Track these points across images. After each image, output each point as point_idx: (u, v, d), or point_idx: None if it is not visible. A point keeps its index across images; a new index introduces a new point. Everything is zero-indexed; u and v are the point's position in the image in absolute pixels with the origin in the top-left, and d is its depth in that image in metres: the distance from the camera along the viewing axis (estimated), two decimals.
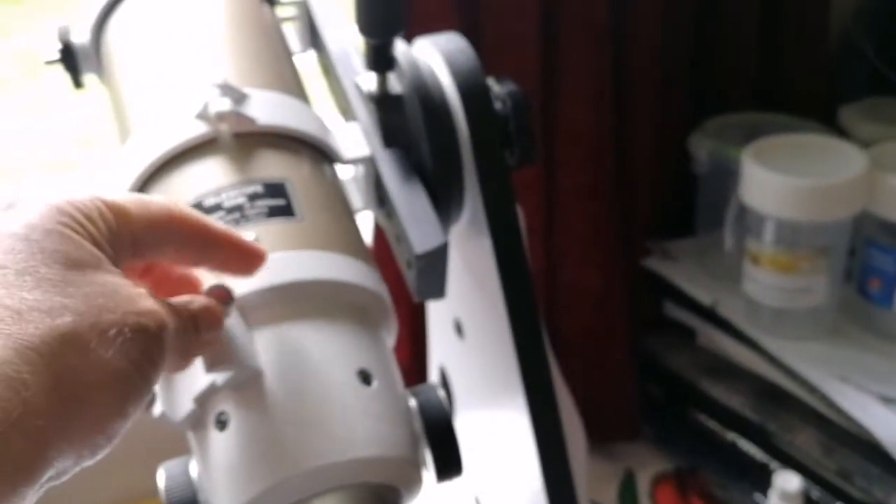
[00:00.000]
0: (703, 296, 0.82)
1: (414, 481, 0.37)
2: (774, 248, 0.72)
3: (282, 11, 0.54)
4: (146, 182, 0.43)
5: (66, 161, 1.46)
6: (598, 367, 0.87)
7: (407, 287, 0.48)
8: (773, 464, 0.77)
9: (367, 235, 0.77)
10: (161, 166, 0.42)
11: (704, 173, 0.84)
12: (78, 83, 0.53)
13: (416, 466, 0.37)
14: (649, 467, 0.88)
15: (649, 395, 0.90)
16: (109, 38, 0.50)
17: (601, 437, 0.87)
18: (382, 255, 0.71)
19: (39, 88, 1.21)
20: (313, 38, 0.55)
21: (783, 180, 0.70)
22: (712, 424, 0.84)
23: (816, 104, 0.89)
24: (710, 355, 0.86)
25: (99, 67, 0.51)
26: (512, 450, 0.57)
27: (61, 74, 0.53)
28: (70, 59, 0.52)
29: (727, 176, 0.78)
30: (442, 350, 0.65)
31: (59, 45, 0.52)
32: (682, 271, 0.85)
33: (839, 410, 0.71)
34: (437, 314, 0.63)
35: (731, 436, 0.81)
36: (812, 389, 0.74)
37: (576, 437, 0.66)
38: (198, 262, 0.33)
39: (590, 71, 0.76)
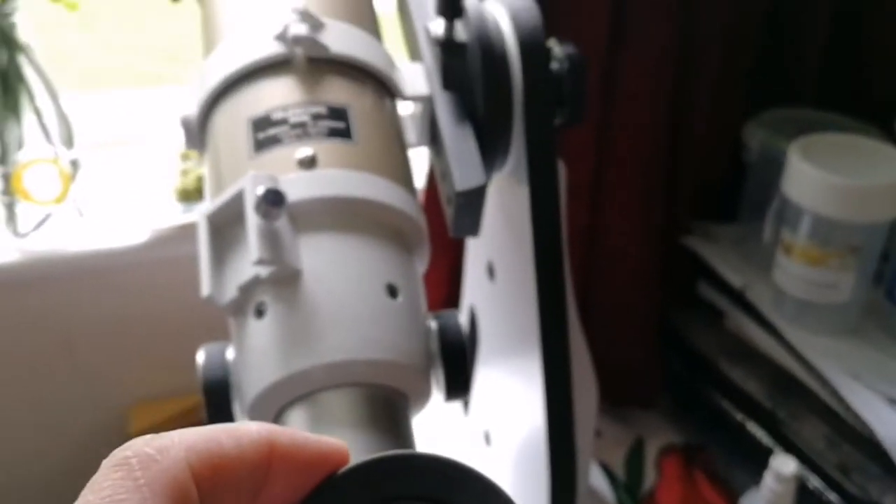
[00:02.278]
0: (735, 279, 0.85)
1: (422, 391, 0.41)
2: (807, 241, 0.74)
3: None
4: (221, 93, 0.47)
5: (155, 73, 1.52)
6: (625, 334, 0.90)
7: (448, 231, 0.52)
8: (778, 449, 0.80)
9: (421, 178, 0.81)
10: (238, 79, 0.46)
11: (754, 162, 0.86)
12: None
13: (425, 377, 0.41)
14: (660, 438, 0.91)
15: (671, 368, 0.93)
16: None
17: (618, 400, 0.91)
18: (433, 198, 0.75)
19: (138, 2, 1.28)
20: None
21: (822, 176, 0.72)
22: (725, 405, 0.86)
23: (881, 110, 0.90)
24: (734, 338, 0.88)
25: None
26: (524, 390, 0.61)
27: None
28: None
29: (776, 168, 0.80)
30: (474, 291, 0.69)
31: None
32: (719, 253, 0.88)
33: (847, 407, 0.74)
34: (474, 256, 0.67)
35: (742, 418, 0.84)
36: (824, 383, 0.76)
37: (587, 389, 0.70)
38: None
39: (656, 43, 0.78)
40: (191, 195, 0.90)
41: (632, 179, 0.84)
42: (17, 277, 0.85)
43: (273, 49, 0.46)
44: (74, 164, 0.86)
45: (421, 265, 0.46)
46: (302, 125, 0.43)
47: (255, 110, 0.45)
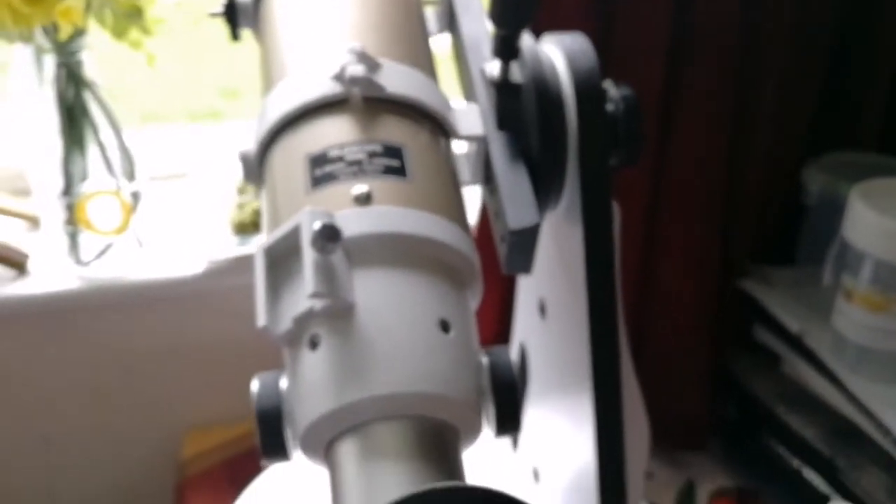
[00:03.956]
0: (792, 324, 0.83)
1: (472, 425, 0.41)
2: (869, 286, 0.73)
3: None
4: (280, 130, 0.48)
5: (214, 110, 1.56)
6: (678, 376, 0.89)
7: (500, 267, 0.52)
8: (835, 497, 0.78)
9: (474, 213, 0.81)
10: (296, 117, 0.47)
11: (814, 206, 0.85)
12: (235, 36, 0.59)
13: (475, 411, 0.40)
14: (711, 481, 0.90)
15: (725, 412, 0.92)
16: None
17: (669, 443, 0.89)
18: (486, 233, 0.75)
19: (198, 38, 1.31)
20: (451, 22, 0.59)
21: (885, 222, 0.70)
22: (781, 450, 0.85)
23: None
24: (790, 383, 0.87)
25: (255, 24, 0.57)
26: (574, 429, 0.61)
27: (221, 26, 0.59)
28: (232, 13, 0.57)
29: (836, 212, 0.79)
30: (524, 328, 0.68)
31: (225, 1, 0.57)
32: (776, 297, 0.86)
33: None
34: (525, 293, 0.67)
35: (798, 464, 0.82)
36: (886, 432, 0.74)
37: (638, 430, 0.69)
38: None
39: (714, 90, 0.78)
40: (246, 228, 0.92)
41: (687, 221, 0.83)
42: (79, 304, 0.87)
43: (330, 89, 0.46)
44: (135, 196, 0.88)
45: (473, 302, 0.46)
46: (358, 163, 0.44)
47: (313, 148, 0.45)
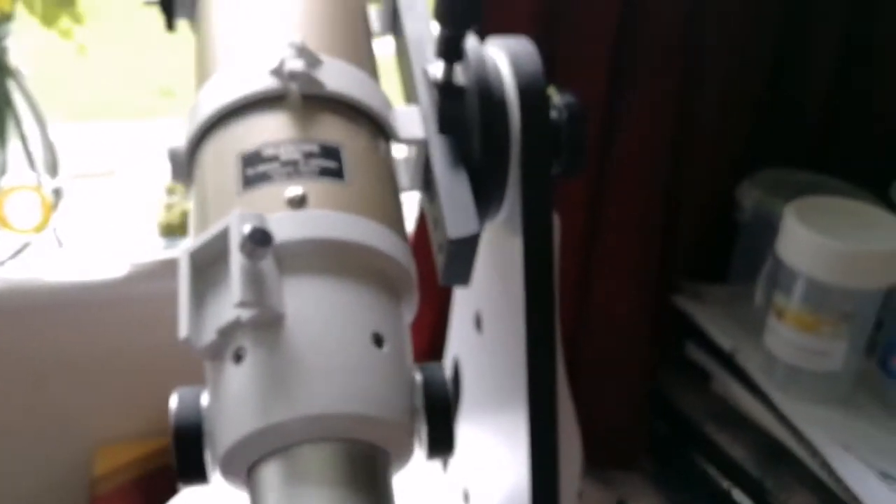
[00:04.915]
0: (724, 341, 0.83)
1: (405, 448, 0.39)
2: (800, 305, 0.73)
3: None
4: (213, 125, 0.45)
5: (149, 107, 1.51)
6: (610, 393, 0.88)
7: (436, 277, 0.50)
8: None
9: (411, 222, 0.79)
10: (230, 113, 0.45)
11: (748, 223, 0.85)
12: (171, 26, 0.56)
13: (408, 433, 0.38)
14: (642, 501, 0.89)
15: (656, 430, 0.91)
16: None
17: (600, 461, 0.89)
18: (422, 243, 0.74)
19: (138, 33, 1.28)
20: (394, 23, 0.57)
21: (818, 240, 0.71)
22: (711, 470, 0.84)
23: (879, 176, 0.89)
24: (721, 402, 0.87)
25: (192, 13, 0.54)
26: (507, 447, 0.59)
27: (157, 16, 0.56)
28: (168, 2, 0.55)
29: (769, 229, 0.79)
30: (459, 342, 0.67)
31: None
32: (709, 315, 0.86)
33: (837, 478, 0.72)
34: (461, 306, 0.65)
35: (728, 485, 0.82)
36: (814, 453, 0.74)
37: (571, 447, 0.68)
38: None
39: (655, 103, 0.78)
40: (174, 230, 0.89)
41: (624, 236, 0.83)
42: None
43: (267, 83, 0.44)
44: (57, 193, 0.84)
45: (409, 314, 0.44)
46: (293, 163, 0.42)
47: (246, 145, 0.43)
